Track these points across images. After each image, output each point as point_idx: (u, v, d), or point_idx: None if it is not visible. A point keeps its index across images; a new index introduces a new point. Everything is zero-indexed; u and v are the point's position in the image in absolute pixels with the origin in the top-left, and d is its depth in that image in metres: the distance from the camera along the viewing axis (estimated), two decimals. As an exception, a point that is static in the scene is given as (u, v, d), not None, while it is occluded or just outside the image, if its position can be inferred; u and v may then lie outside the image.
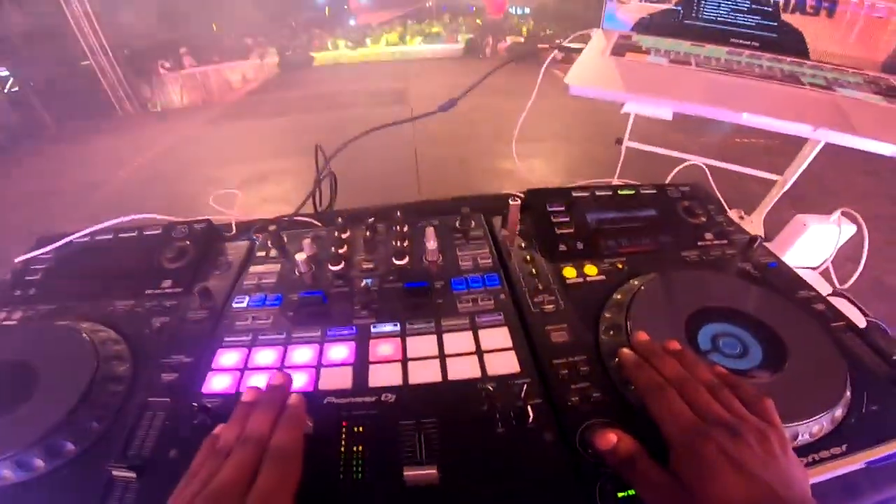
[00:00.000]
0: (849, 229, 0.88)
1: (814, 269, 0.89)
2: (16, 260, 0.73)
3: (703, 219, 0.74)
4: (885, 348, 0.52)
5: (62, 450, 0.44)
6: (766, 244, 0.71)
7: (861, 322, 0.61)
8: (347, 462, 0.40)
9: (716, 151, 1.13)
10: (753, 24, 0.82)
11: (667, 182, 0.86)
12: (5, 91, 5.54)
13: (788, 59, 0.84)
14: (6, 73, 5.66)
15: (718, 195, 0.97)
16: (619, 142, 1.17)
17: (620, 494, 0.38)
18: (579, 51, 0.89)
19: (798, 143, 0.98)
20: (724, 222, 0.75)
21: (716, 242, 0.70)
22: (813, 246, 0.91)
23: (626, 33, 0.88)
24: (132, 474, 0.41)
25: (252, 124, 5.29)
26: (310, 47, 9.08)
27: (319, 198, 0.92)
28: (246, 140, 4.70)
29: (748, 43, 0.84)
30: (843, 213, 0.87)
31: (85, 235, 0.72)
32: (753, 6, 0.82)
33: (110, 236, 0.72)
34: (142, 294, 0.62)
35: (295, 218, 0.82)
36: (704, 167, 1.02)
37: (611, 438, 0.39)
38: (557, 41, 1.04)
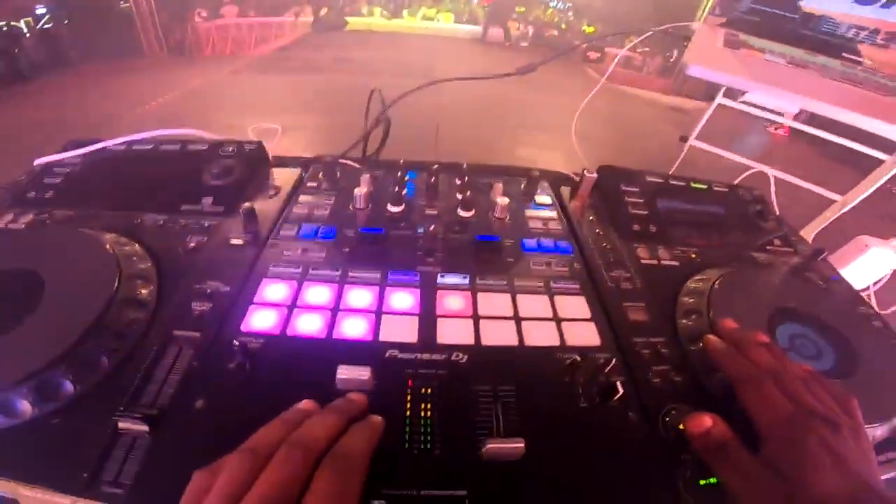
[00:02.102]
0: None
1: (861, 290, 0.87)
2: (36, 162, 0.67)
3: (772, 224, 0.72)
4: None
5: (58, 390, 0.35)
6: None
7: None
8: (414, 428, 0.35)
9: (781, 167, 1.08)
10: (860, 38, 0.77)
11: (736, 183, 0.82)
12: (38, 27, 5.47)
13: None
14: (43, 10, 5.59)
15: (775, 206, 0.93)
16: (684, 139, 1.11)
17: (702, 482, 0.36)
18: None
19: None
20: (790, 232, 0.73)
21: (783, 249, 0.67)
22: (868, 268, 0.91)
23: (733, 31, 0.83)
24: (144, 427, 0.33)
25: (276, 79, 5.19)
26: (345, 11, 8.91)
27: (366, 145, 0.86)
28: (268, 93, 4.60)
29: (859, 59, 0.79)
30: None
31: (121, 143, 0.66)
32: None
33: (149, 147, 0.66)
34: (177, 209, 0.56)
35: (341, 160, 0.76)
36: (771, 177, 0.97)
37: (706, 422, 0.37)
38: (593, 42, 0.97)
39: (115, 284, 0.42)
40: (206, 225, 0.54)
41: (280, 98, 4.48)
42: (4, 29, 5.03)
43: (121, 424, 0.33)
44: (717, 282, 0.52)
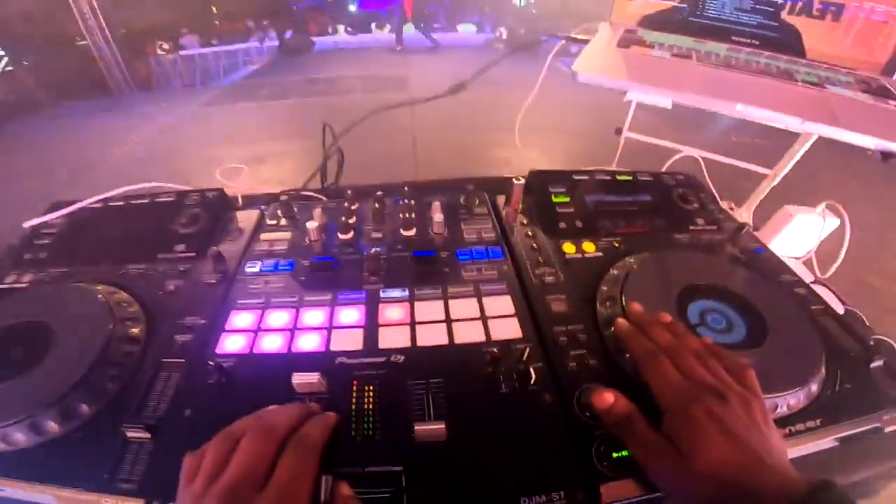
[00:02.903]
0: (833, 222, 0.92)
1: (798, 258, 0.92)
2: (25, 224, 0.74)
3: (696, 206, 0.78)
4: (861, 332, 0.55)
5: (77, 411, 0.45)
6: (753, 232, 0.75)
7: (840, 310, 0.64)
8: (359, 419, 0.42)
9: (711, 149, 1.16)
10: (755, 23, 0.85)
11: (663, 170, 0.90)
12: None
13: (785, 57, 0.87)
14: (0, 52, 5.55)
15: (711, 187, 1.01)
16: (619, 132, 1.19)
17: (615, 455, 0.41)
18: (584, 42, 0.91)
19: (790, 143, 1.02)
20: (715, 210, 0.79)
21: (706, 228, 0.74)
22: (798, 236, 0.95)
23: (632, 28, 0.91)
24: (147, 434, 0.42)
25: (250, 107, 5.22)
26: (310, 31, 8.97)
27: (324, 174, 0.93)
28: (243, 122, 4.64)
29: (748, 41, 0.87)
30: (827, 206, 0.90)
31: (98, 201, 0.73)
32: (756, 6, 0.85)
33: (122, 203, 0.74)
34: (154, 258, 0.64)
35: (302, 192, 0.83)
36: (700, 159, 1.05)
37: (608, 398, 0.41)
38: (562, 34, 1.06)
39: (111, 327, 0.51)
40: (181, 269, 0.62)
41: (251, 127, 4.52)
42: None
43: (128, 433, 0.42)
44: (630, 268, 0.59)
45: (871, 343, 0.54)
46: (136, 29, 7.00)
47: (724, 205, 0.91)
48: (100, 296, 0.55)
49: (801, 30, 0.86)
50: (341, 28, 9.34)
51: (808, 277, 0.85)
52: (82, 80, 6.12)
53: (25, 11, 5.71)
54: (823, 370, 0.49)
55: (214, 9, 9.09)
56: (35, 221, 0.73)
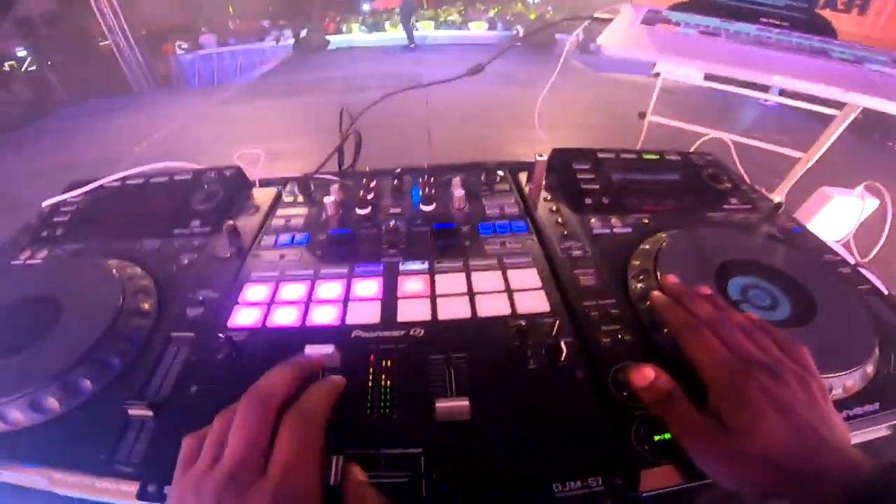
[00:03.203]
0: (872, 203, 0.87)
1: (836, 242, 0.88)
2: (44, 203, 0.74)
3: (728, 185, 0.74)
4: None
5: (80, 388, 0.42)
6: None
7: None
8: (375, 396, 0.40)
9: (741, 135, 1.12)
10: (783, 5, 0.81)
11: (691, 151, 0.86)
12: (23, 70, 5.60)
13: (818, 37, 0.83)
14: (24, 52, 5.71)
15: (741, 170, 0.96)
16: (643, 116, 1.15)
17: (657, 437, 0.37)
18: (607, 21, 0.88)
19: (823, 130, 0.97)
20: (749, 190, 0.75)
21: (741, 207, 0.70)
22: (836, 218, 0.93)
23: (656, 8, 0.88)
24: (149, 412, 0.39)
25: (266, 105, 5.30)
26: (325, 30, 9.04)
27: (341, 157, 0.92)
28: (260, 120, 4.71)
29: (778, 23, 0.83)
30: (866, 187, 0.86)
31: (116, 180, 0.72)
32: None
33: (141, 181, 0.73)
34: (170, 233, 0.63)
35: (317, 175, 0.82)
36: (730, 142, 1.01)
37: (648, 374, 0.38)
38: (583, 17, 1.02)
39: (121, 300, 0.49)
40: (196, 244, 0.61)
41: (267, 124, 4.57)
42: (4, 70, 5.17)
43: (130, 411, 0.39)
44: (664, 242, 0.56)
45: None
46: (155, 28, 7.17)
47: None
48: (112, 270, 0.54)
49: (832, 20, 0.83)
50: (355, 26, 9.38)
51: (850, 260, 0.81)
52: (105, 78, 6.29)
53: (48, 12, 5.87)
54: (877, 351, 0.45)
55: (231, 8, 9.24)
56: (53, 200, 0.73)
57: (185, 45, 7.47)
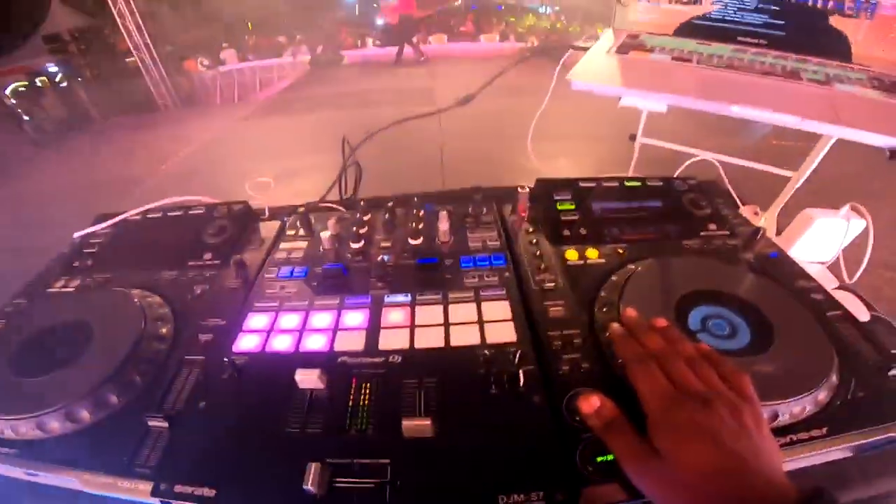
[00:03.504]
0: (859, 224, 0.89)
1: (822, 263, 0.90)
2: (75, 235, 0.82)
3: (708, 211, 0.77)
4: (883, 340, 0.53)
5: (107, 402, 0.50)
6: (774, 238, 0.73)
7: (865, 316, 0.62)
8: (354, 414, 0.46)
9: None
10: (761, 23, 0.84)
11: (675, 176, 0.89)
12: (54, 87, 5.85)
13: (794, 56, 0.86)
14: (55, 68, 5.97)
15: (731, 191, 0.99)
16: (633, 138, 1.19)
17: (599, 459, 0.41)
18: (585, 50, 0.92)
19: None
20: (730, 215, 0.78)
21: (718, 233, 0.72)
22: (821, 240, 0.92)
23: (634, 33, 0.92)
24: (165, 423, 0.46)
25: (284, 121, 5.44)
26: (340, 45, 9.24)
27: (344, 186, 0.98)
28: (278, 136, 4.83)
29: (755, 41, 0.86)
30: (851, 208, 0.87)
31: (138, 213, 0.81)
32: (761, 5, 0.84)
33: (160, 215, 0.81)
34: (185, 265, 0.70)
35: (321, 204, 0.88)
36: (717, 163, 1.04)
37: (594, 402, 0.42)
38: (575, 43, 1.07)
39: (143, 326, 0.57)
40: (207, 275, 0.68)
41: (283, 141, 4.69)
42: (23, 89, 5.37)
43: (149, 423, 0.46)
44: (631, 274, 0.60)
45: (894, 351, 0.51)
46: (178, 45, 7.43)
47: (747, 209, 0.89)
48: (135, 299, 0.62)
49: (813, 26, 0.84)
50: (370, 41, 9.57)
51: (832, 283, 0.83)
52: (130, 95, 6.52)
53: (77, 29, 6.14)
54: (835, 377, 0.48)
55: (250, 25, 9.51)
56: (83, 232, 0.81)
57: (206, 62, 7.74)
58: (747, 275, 0.62)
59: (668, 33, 0.89)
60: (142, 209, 0.81)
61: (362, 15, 10.42)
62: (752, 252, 0.69)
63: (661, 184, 0.84)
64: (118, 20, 6.08)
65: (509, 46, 8.81)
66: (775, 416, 0.45)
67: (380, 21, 9.50)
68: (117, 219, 0.80)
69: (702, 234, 0.73)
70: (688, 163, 1.06)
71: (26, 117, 5.26)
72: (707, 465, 0.34)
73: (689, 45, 0.87)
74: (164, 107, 6.74)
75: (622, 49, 0.87)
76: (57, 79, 5.92)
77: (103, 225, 0.80)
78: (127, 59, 6.50)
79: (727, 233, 0.73)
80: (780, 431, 0.44)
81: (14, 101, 5.19)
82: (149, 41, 6.32)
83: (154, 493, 0.42)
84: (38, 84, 5.64)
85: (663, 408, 0.38)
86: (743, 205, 0.91)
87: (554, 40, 8.18)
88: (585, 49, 0.94)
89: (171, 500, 0.42)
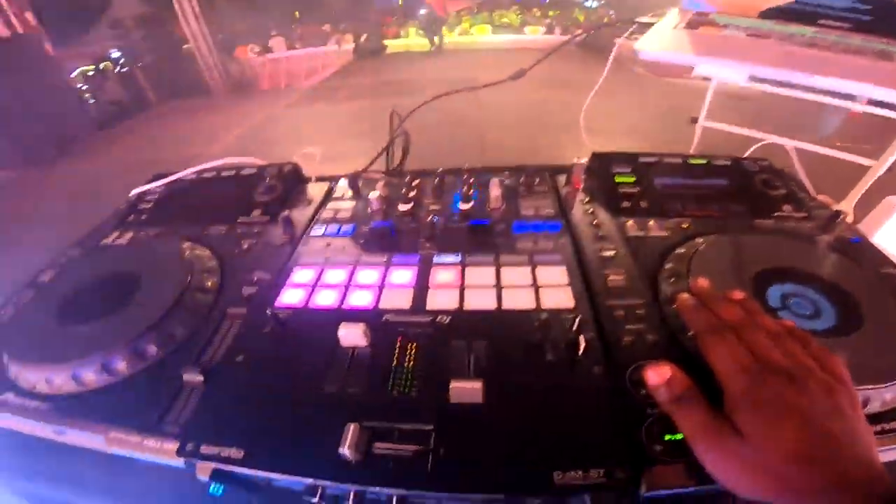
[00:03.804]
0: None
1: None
2: (131, 192, 0.85)
3: (783, 192, 0.71)
4: None
5: (146, 353, 0.49)
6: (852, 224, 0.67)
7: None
8: (397, 375, 0.43)
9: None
10: (846, 6, 0.75)
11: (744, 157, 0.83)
12: (116, 71, 6.19)
13: (884, 39, 0.77)
14: (118, 53, 6.31)
15: (804, 178, 0.91)
16: (695, 121, 1.11)
17: (668, 437, 0.37)
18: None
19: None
20: (806, 197, 0.71)
21: (794, 215, 0.66)
22: None
23: (704, 11, 0.85)
24: (200, 378, 0.44)
25: (328, 107, 5.53)
26: (383, 35, 9.32)
27: (390, 157, 0.97)
28: (322, 122, 4.93)
29: (838, 24, 0.77)
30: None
31: (193, 173, 0.82)
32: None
33: (212, 175, 0.82)
34: (235, 221, 0.70)
35: (366, 173, 0.87)
36: (791, 149, 0.95)
37: (664, 372, 0.37)
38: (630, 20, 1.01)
39: (188, 278, 0.56)
40: (256, 231, 0.68)
41: (328, 126, 4.79)
42: (91, 73, 5.69)
43: (184, 377, 0.45)
44: (701, 246, 0.56)
45: None
46: (230, 33, 7.70)
47: (821, 199, 0.82)
48: (183, 251, 0.62)
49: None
50: (412, 31, 9.59)
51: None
52: (185, 80, 6.83)
53: (139, 15, 6.47)
54: None
55: (297, 13, 9.74)
56: (139, 189, 0.83)
57: (256, 49, 8.00)
58: (831, 254, 0.56)
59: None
60: (196, 168, 0.83)
61: (406, 5, 10.45)
62: (832, 235, 0.62)
63: (728, 163, 0.78)
64: (177, 8, 6.34)
65: (555, 39, 8.62)
66: (865, 403, 0.40)
67: (423, 11, 9.47)
68: (173, 177, 0.82)
69: (775, 214, 0.67)
70: (755, 146, 0.98)
71: (91, 99, 5.58)
72: (796, 447, 0.30)
73: (766, 25, 0.80)
74: (215, 92, 7.01)
75: (691, 25, 0.80)
76: (119, 63, 6.24)
77: (158, 183, 0.82)
78: (184, 46, 6.79)
79: (804, 215, 0.67)
80: (869, 419, 0.38)
81: (81, 84, 5.50)
82: (205, 29, 6.58)
83: (180, 453, 0.40)
84: (101, 68, 5.95)
85: (745, 382, 0.33)
86: (816, 195, 0.84)
87: (602, 33, 7.92)
88: (648, 24, 0.88)
89: (197, 460, 0.40)
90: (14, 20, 4.99)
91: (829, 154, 1.01)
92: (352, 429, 0.36)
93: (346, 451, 0.35)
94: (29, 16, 5.10)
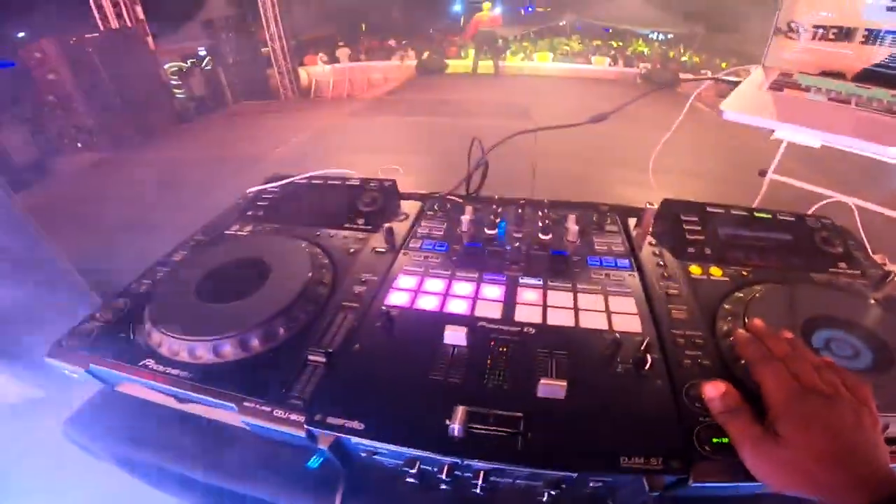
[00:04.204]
0: None
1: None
2: (248, 190, 0.99)
3: (840, 250, 0.76)
4: None
5: (276, 334, 0.57)
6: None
7: None
8: (492, 371, 0.52)
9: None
10: None
11: (808, 213, 0.87)
12: (202, 68, 6.71)
13: None
14: (203, 52, 6.84)
15: (863, 236, 0.94)
16: (763, 174, 1.16)
17: (715, 440, 0.45)
18: (731, 83, 0.93)
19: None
20: (861, 257, 0.76)
21: (847, 271, 0.72)
22: None
23: (787, 71, 0.91)
24: (323, 359, 0.53)
25: (389, 120, 5.77)
26: (445, 54, 9.60)
27: (469, 183, 1.07)
28: (383, 134, 5.15)
29: None
30: None
31: (304, 178, 0.95)
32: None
33: (321, 182, 0.95)
34: (341, 226, 0.82)
35: (447, 196, 0.97)
36: (854, 207, 0.98)
37: (720, 387, 0.46)
38: (703, 71, 1.07)
39: (310, 273, 0.67)
40: (360, 237, 0.79)
41: (392, 139, 4.99)
42: (181, 69, 6.21)
43: (310, 357, 0.54)
44: (758, 293, 0.62)
45: None
46: (303, 40, 8.17)
47: (877, 258, 0.85)
48: (304, 247, 0.74)
49: None
50: (472, 52, 9.84)
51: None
52: (258, 83, 7.30)
53: (228, 17, 7.00)
54: None
55: (364, 26, 10.20)
56: (255, 189, 0.97)
57: (324, 58, 8.46)
58: (875, 308, 0.62)
59: (823, 74, 0.88)
60: (307, 175, 0.96)
61: (466, 26, 10.74)
62: (881, 293, 0.68)
63: (792, 219, 0.83)
64: (261, 10, 6.78)
65: (615, 71, 8.62)
66: (886, 427, 0.46)
67: (481, 32, 9.71)
68: (287, 180, 0.96)
69: (830, 270, 0.73)
70: (820, 203, 1.02)
71: (178, 94, 6.09)
72: (825, 451, 0.38)
73: (847, 88, 0.85)
74: (283, 96, 7.46)
75: (775, 86, 0.87)
76: (204, 62, 6.76)
77: (274, 184, 0.96)
78: (262, 49, 7.28)
79: (858, 272, 0.72)
80: (888, 441, 0.44)
81: (170, 79, 6.02)
82: (283, 33, 7.03)
83: (308, 423, 0.47)
84: (189, 65, 6.48)
85: (788, 399, 0.42)
86: (873, 253, 0.87)
87: (669, 69, 7.87)
88: (726, 81, 0.95)
89: (320, 430, 0.47)
90: (125, 13, 5.55)
91: (891, 215, 1.04)
92: (460, 409, 0.45)
93: (455, 426, 0.44)
94: (139, 10, 5.65)
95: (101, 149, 4.90)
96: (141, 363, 0.56)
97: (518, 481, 0.48)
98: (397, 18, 10.24)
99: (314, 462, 0.55)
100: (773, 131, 0.80)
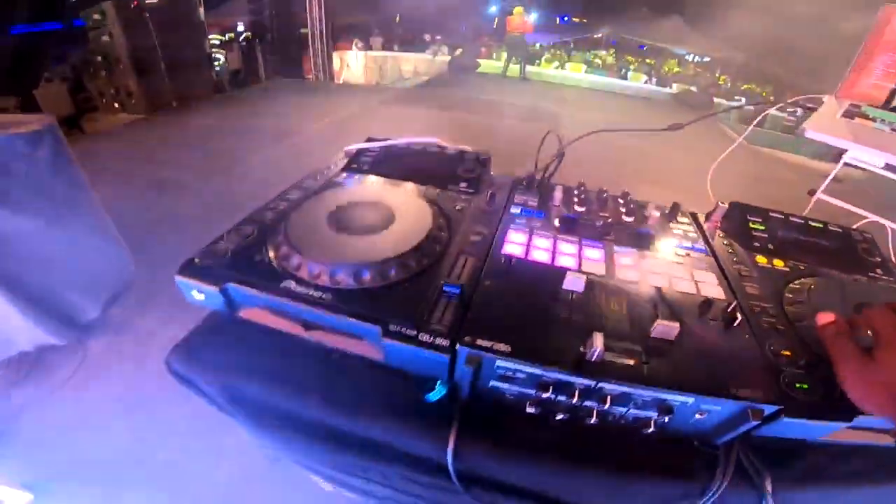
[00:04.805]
0: None
1: None
2: (345, 148, 1.09)
3: (878, 259, 0.87)
4: None
5: (409, 267, 0.64)
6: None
7: None
8: (609, 318, 0.60)
9: None
10: None
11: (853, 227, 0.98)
12: (240, 42, 6.82)
13: None
14: (242, 27, 6.95)
15: (892, 254, 1.04)
16: (812, 193, 1.27)
17: (797, 385, 0.54)
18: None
19: None
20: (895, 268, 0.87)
21: (883, 277, 0.83)
22: None
23: (856, 103, 1.05)
24: (457, 290, 0.59)
25: (418, 112, 5.86)
26: (478, 54, 9.70)
27: (542, 172, 1.17)
28: (412, 124, 5.23)
29: None
30: None
31: (404, 142, 1.05)
32: None
33: (420, 148, 1.05)
34: (446, 187, 0.91)
35: (536, 175, 1.07)
36: (889, 229, 1.09)
37: (830, 316, 0.55)
38: (738, 98, 1.18)
39: (432, 217, 0.76)
40: (465, 198, 0.88)
41: (416, 130, 5.08)
42: (220, 41, 6.38)
43: (444, 287, 0.60)
44: (817, 280, 0.73)
45: None
46: (340, 24, 8.25)
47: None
48: (424, 200, 0.81)
49: None
50: (504, 55, 9.95)
51: None
52: (292, 62, 7.38)
53: None
54: None
55: (398, 17, 10.28)
56: (356, 146, 1.07)
57: (359, 44, 8.55)
58: None
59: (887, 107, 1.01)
60: (406, 140, 1.06)
61: (499, 29, 10.84)
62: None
63: (840, 230, 0.93)
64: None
65: (648, 89, 8.71)
66: None
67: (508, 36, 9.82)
68: (386, 143, 1.06)
69: (868, 274, 0.83)
70: (859, 223, 1.12)
71: (217, 66, 6.22)
72: None
73: None
74: (315, 77, 7.54)
75: (847, 114, 1.00)
76: (241, 37, 6.88)
77: (374, 144, 1.06)
78: (301, 30, 7.38)
79: (891, 279, 0.83)
80: None
81: (211, 51, 6.14)
82: (323, 16, 7.12)
83: (461, 342, 0.53)
84: (228, 38, 6.60)
85: (894, 329, 0.49)
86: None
87: (708, 92, 7.95)
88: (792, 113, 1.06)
89: (472, 352, 0.53)
90: (178, -18, 5.64)
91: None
92: (599, 336, 0.53)
93: (596, 350, 0.52)
94: (192, -20, 5.75)
95: (137, 111, 5.03)
96: (282, 284, 0.60)
97: (631, 412, 0.56)
98: (432, 13, 10.34)
99: (435, 395, 0.59)
100: (843, 152, 0.92)
